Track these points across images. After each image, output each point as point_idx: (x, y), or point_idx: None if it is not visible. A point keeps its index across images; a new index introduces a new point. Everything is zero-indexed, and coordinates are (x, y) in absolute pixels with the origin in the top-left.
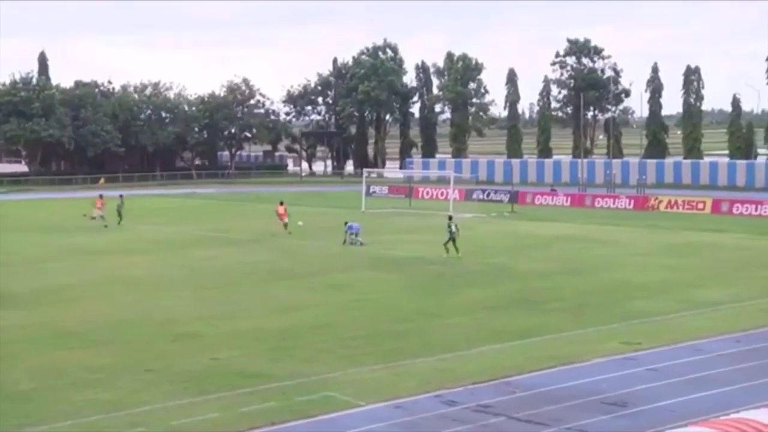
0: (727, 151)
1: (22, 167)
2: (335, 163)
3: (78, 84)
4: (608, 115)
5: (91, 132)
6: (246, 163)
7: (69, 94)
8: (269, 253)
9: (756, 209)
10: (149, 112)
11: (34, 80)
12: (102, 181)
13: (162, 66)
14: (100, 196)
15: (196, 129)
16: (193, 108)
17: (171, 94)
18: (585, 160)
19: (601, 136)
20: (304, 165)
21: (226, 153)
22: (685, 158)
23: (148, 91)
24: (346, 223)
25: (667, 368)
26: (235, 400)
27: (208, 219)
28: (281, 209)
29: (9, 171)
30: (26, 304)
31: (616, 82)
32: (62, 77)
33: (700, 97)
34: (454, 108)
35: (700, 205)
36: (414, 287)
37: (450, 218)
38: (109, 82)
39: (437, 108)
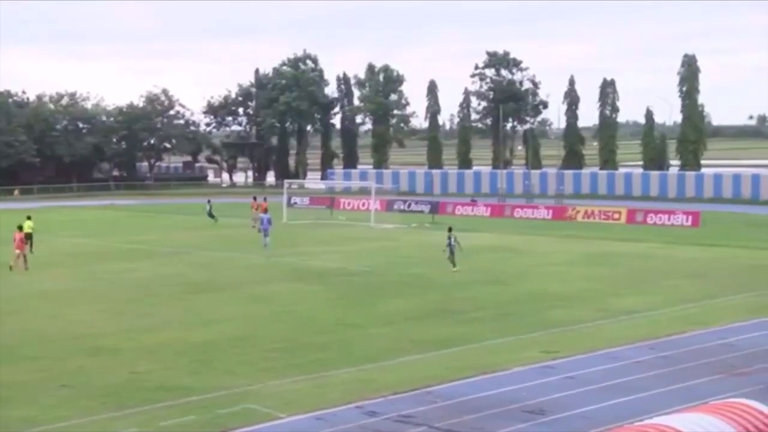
0: (641, 162)
1: None
2: (256, 174)
3: None
4: (527, 126)
5: (4, 142)
6: (166, 174)
7: None
8: (188, 265)
9: (669, 218)
10: (65, 122)
11: None
12: (16, 192)
13: (79, 77)
14: None
15: (114, 140)
16: (111, 118)
17: (88, 105)
18: (504, 171)
19: (519, 147)
20: (225, 176)
21: (145, 164)
22: (601, 169)
23: (64, 102)
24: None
25: (584, 376)
26: (155, 414)
27: (126, 231)
28: (19, 236)
29: None
30: None
31: (535, 94)
32: None
33: (615, 110)
34: (375, 119)
35: (616, 215)
36: (335, 298)
37: (450, 230)
38: (24, 92)
39: (358, 119)
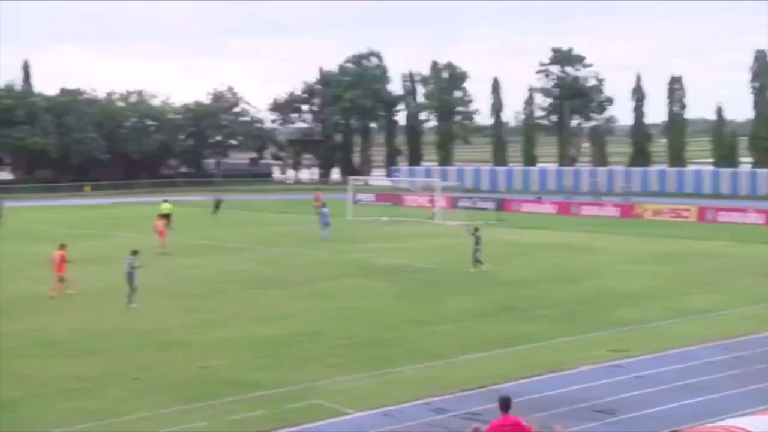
0: (711, 160)
1: (7, 175)
2: (321, 171)
3: (62, 91)
4: (592, 123)
5: (76, 140)
6: (231, 171)
7: (53, 101)
8: (255, 261)
9: (740, 217)
10: (134, 119)
11: (18, 88)
12: (87, 188)
13: (146, 75)
14: None
15: (182, 137)
16: (179, 116)
17: (156, 102)
18: (570, 168)
19: (585, 144)
20: (290, 172)
21: (212, 160)
22: (669, 166)
23: (132, 99)
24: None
25: (654, 375)
26: (223, 409)
27: (193, 227)
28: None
29: None
30: (10, 312)
31: (600, 91)
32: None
33: (683, 106)
34: (439, 116)
35: (686, 213)
36: (401, 295)
37: (476, 230)
38: (94, 90)
39: (423, 116)
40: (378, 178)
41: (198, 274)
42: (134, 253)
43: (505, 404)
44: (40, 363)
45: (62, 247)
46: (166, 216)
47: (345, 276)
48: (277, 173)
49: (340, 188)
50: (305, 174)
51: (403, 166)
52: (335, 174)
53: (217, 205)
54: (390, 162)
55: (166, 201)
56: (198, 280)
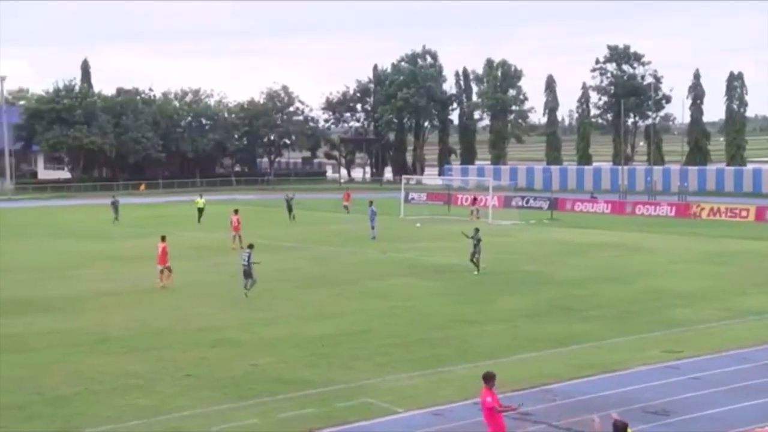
0: None
1: (64, 174)
2: (374, 170)
3: (119, 91)
4: (648, 121)
5: (133, 139)
6: (285, 170)
7: (110, 101)
8: (306, 260)
9: None
10: (189, 119)
11: (77, 88)
12: (142, 187)
13: (202, 74)
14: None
15: (236, 136)
16: (233, 115)
17: (211, 102)
18: (625, 167)
19: (641, 143)
20: (343, 172)
21: (266, 159)
22: (727, 165)
23: (188, 98)
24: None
25: (710, 377)
26: (274, 406)
27: (246, 225)
28: (235, 218)
29: (52, 177)
30: (65, 310)
31: (657, 89)
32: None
33: (743, 104)
34: (493, 115)
35: (744, 213)
36: (452, 294)
37: (477, 230)
38: (150, 90)
39: (476, 115)
40: (430, 177)
41: None
42: (250, 246)
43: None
44: (95, 359)
45: (163, 239)
46: (237, 212)
47: (395, 275)
48: (329, 172)
49: (393, 187)
50: (358, 173)
51: (455, 165)
52: (388, 173)
53: (290, 206)
54: (443, 161)
55: (200, 196)
56: None
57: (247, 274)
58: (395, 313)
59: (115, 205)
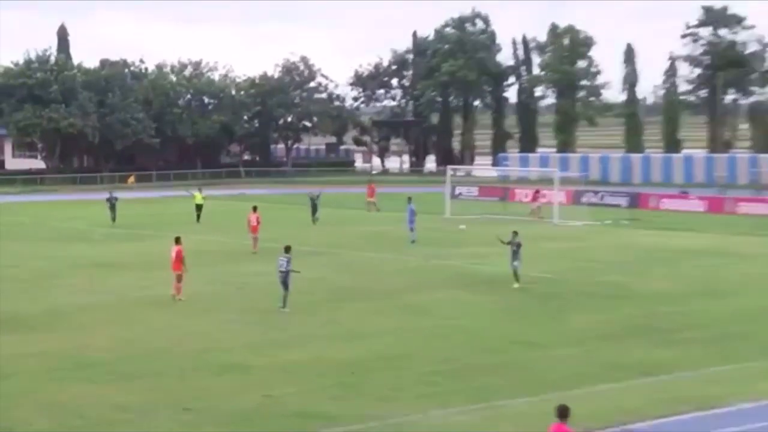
0: None
1: (38, 163)
2: (413, 159)
3: (104, 63)
4: (753, 99)
5: (120, 121)
6: (305, 159)
7: (93, 75)
8: (332, 268)
9: None
10: (189, 97)
11: (53, 59)
12: (131, 179)
13: (204, 43)
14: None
15: (246, 118)
16: (242, 92)
17: (215, 76)
18: (724, 155)
19: (744, 126)
20: (375, 161)
21: (281, 146)
22: None
23: (187, 72)
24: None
25: None
26: None
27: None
28: (254, 217)
29: (23, 167)
30: (41, 328)
31: (763, 59)
32: (85, 55)
33: None
34: (559, 92)
35: None
36: (510, 311)
37: (515, 234)
38: (141, 62)
39: (538, 91)
40: (482, 167)
41: (263, 283)
42: (287, 250)
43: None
44: (76, 388)
45: (178, 241)
46: (256, 210)
47: (440, 287)
48: (359, 162)
49: (436, 180)
50: (393, 163)
51: (513, 152)
52: (430, 163)
53: (315, 207)
54: (497, 148)
55: (199, 190)
56: (264, 291)
57: (285, 282)
58: (441, 333)
59: (112, 204)
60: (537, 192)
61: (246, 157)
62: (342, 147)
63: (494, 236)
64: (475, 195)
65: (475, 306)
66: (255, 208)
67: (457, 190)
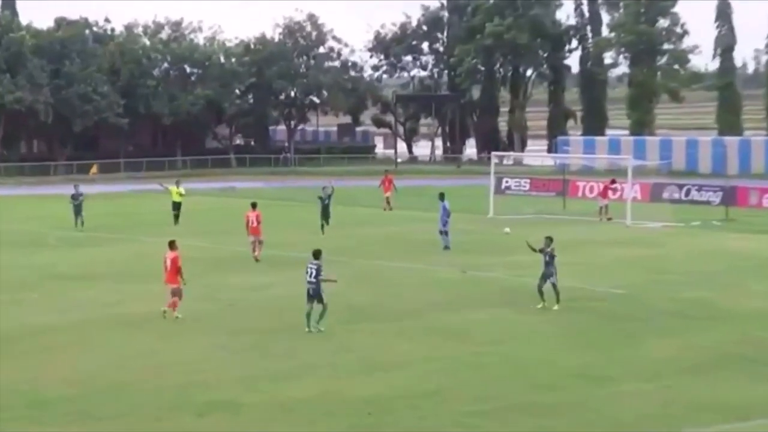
0: None
1: None
2: (448, 144)
3: (60, 23)
4: None
5: (78, 95)
6: (312, 144)
7: (46, 38)
8: (346, 280)
9: None
10: (166, 65)
11: None
12: (94, 169)
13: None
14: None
15: (238, 92)
16: (233, 60)
17: (199, 39)
18: None
19: None
20: (401, 146)
21: (282, 128)
22: None
23: (164, 35)
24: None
25: None
26: None
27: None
28: (253, 216)
29: None
30: None
31: None
32: (37, 14)
33: None
34: (633, 58)
35: None
36: (569, 335)
37: (550, 241)
38: (107, 21)
39: (608, 58)
40: (536, 155)
41: (260, 299)
42: (317, 255)
43: None
44: None
45: (173, 245)
46: (255, 207)
47: (480, 305)
48: (380, 147)
49: (477, 170)
50: (424, 149)
51: (575, 135)
52: (470, 148)
53: (326, 209)
54: (555, 130)
55: (177, 184)
56: (262, 309)
57: (315, 296)
58: (481, 362)
59: (77, 202)
60: (612, 183)
61: (238, 141)
62: (359, 129)
63: (525, 241)
64: (527, 189)
65: (524, 329)
66: (254, 205)
67: (504, 183)
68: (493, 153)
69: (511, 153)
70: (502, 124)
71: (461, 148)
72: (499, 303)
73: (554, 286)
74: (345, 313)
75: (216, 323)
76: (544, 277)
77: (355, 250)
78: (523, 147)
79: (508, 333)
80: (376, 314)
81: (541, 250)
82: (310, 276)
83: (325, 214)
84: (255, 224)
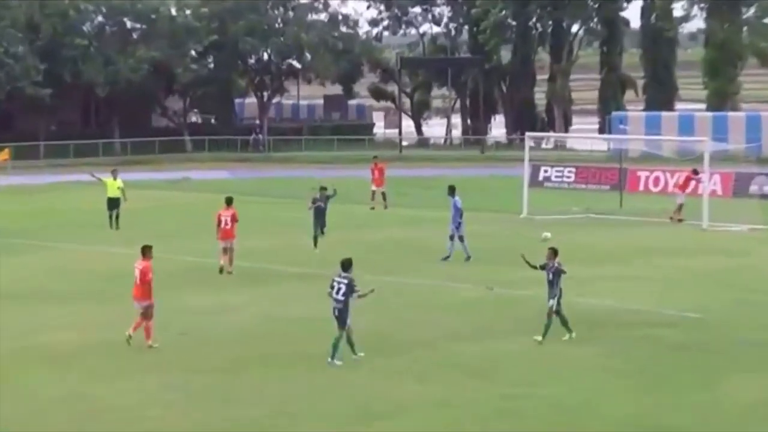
0: None
1: None
2: (469, 122)
3: None
4: None
5: None
6: (292, 122)
7: None
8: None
9: None
10: (100, 20)
11: None
12: (4, 155)
13: None
14: None
15: (194, 53)
16: (188, 13)
17: None
18: None
19: None
20: (407, 125)
21: (253, 101)
22: None
23: None
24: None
25: None
26: None
27: (213, 231)
28: (228, 215)
29: None
30: None
31: None
32: None
33: None
34: (711, 10)
35: None
36: (628, 372)
37: (554, 254)
38: None
39: (677, 9)
40: (583, 136)
41: (222, 325)
42: (346, 266)
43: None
44: None
45: (146, 253)
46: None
47: (511, 332)
48: (380, 126)
49: (508, 156)
50: (436, 128)
51: (635, 110)
52: (497, 128)
53: (321, 214)
54: (609, 104)
55: (114, 175)
56: (224, 338)
57: (343, 320)
58: (511, 408)
59: None
60: (694, 173)
61: (194, 118)
62: (352, 102)
63: (519, 255)
64: (572, 181)
65: (567, 365)
66: (229, 201)
67: (542, 174)
68: (528, 134)
69: (552, 134)
70: (540, 96)
71: (486, 128)
72: (536, 330)
73: (557, 312)
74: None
75: (166, 358)
76: (548, 297)
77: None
78: (566, 126)
79: (547, 370)
80: (378, 345)
81: (542, 267)
82: (337, 293)
83: (321, 223)
84: (229, 225)
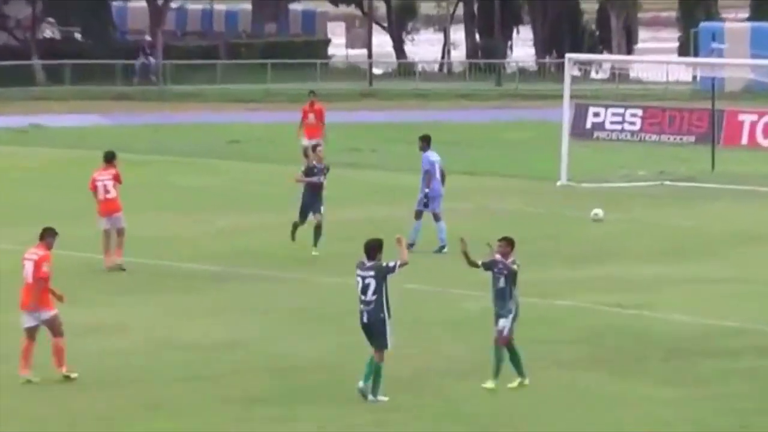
0: None
1: None
2: (478, 39)
3: None
4: None
5: None
6: (201, 38)
7: None
8: (291, 313)
9: None
10: None
11: None
12: None
13: None
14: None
15: None
16: None
17: None
18: None
19: None
20: (382, 41)
21: (141, 4)
22: None
23: None
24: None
25: None
26: None
27: (89, 208)
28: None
29: None
30: None
31: None
32: None
33: None
34: None
35: None
36: (714, 410)
37: (508, 244)
38: None
39: None
40: (655, 60)
41: (99, 357)
42: (371, 252)
43: None
44: None
45: (45, 237)
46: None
47: (543, 361)
48: (340, 43)
49: (538, 91)
50: (426, 46)
51: (735, 21)
52: (522, 47)
53: (317, 192)
54: (695, 12)
55: None
56: (99, 379)
57: (372, 328)
58: None
59: None
60: None
61: (49, 32)
62: (296, 6)
63: (486, 243)
64: (637, 129)
65: (629, 404)
66: (110, 158)
67: (591, 118)
68: (569, 55)
69: (607, 56)
70: (584, 7)
71: (504, 48)
72: (580, 358)
73: (508, 342)
74: (297, 377)
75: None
76: (497, 316)
77: (314, 257)
78: (629, 45)
79: (596, 414)
80: (342, 384)
81: (488, 266)
82: (364, 292)
83: (314, 205)
84: (111, 194)
